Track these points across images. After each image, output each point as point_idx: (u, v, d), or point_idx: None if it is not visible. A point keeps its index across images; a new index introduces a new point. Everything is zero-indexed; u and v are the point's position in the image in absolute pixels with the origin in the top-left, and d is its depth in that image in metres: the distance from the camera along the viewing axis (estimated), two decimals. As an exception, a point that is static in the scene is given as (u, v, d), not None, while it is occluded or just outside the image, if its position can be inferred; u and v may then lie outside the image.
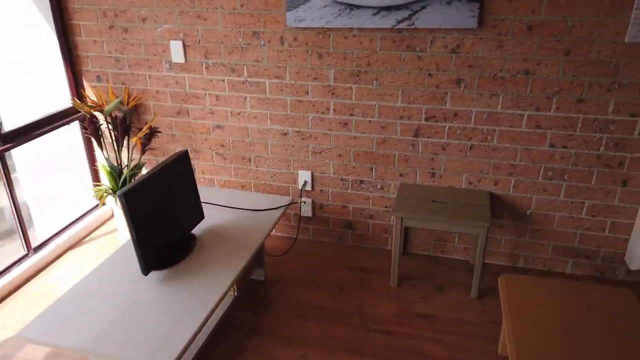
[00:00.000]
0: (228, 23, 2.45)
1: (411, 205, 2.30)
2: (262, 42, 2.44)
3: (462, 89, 2.27)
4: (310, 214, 2.79)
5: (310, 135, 2.59)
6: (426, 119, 2.38)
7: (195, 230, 2.13)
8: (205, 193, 2.48)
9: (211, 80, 2.61)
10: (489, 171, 2.40)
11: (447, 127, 2.37)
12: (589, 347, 1.57)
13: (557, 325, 1.66)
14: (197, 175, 2.89)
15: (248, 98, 2.59)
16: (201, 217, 2.15)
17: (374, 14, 2.20)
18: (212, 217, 2.24)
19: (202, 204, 2.36)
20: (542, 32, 2.08)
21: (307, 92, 2.49)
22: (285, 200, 2.38)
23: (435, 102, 2.33)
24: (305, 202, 2.75)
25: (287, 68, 2.46)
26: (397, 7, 2.16)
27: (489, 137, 2.33)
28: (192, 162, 2.86)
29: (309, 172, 2.67)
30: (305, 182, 2.70)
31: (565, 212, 2.39)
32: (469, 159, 2.40)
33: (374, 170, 2.57)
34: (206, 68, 2.59)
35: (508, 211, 2.47)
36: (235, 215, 2.25)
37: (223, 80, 2.59)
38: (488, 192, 2.44)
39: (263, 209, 2.30)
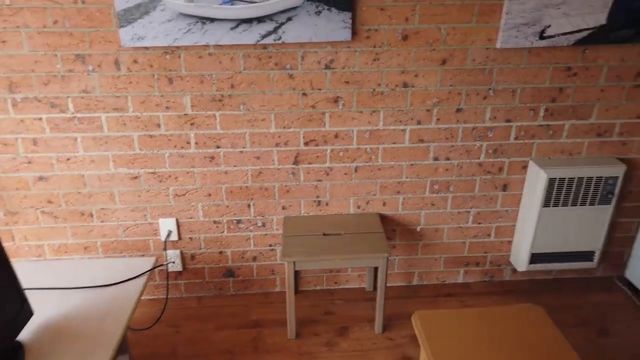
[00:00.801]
0: (38, 45, 1.85)
1: (302, 245, 2.00)
2: (91, 68, 1.89)
3: (340, 107, 2.03)
4: (180, 268, 2.31)
5: (170, 176, 2.12)
6: (305, 144, 2.09)
7: (22, 335, 1.53)
8: (31, 272, 1.84)
9: (22, 121, 1.97)
10: (377, 192, 2.21)
11: (329, 151, 2.11)
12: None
13: (479, 356, 1.52)
14: (20, 244, 2.20)
15: (79, 139, 2.02)
16: (28, 313, 1.55)
17: (233, 28, 1.83)
18: (46, 309, 1.65)
19: (28, 291, 1.74)
20: (417, 41, 1.93)
21: (159, 125, 2.01)
22: (148, 263, 1.88)
23: (313, 124, 2.05)
24: (173, 261, 2.27)
25: (129, 97, 1.96)
26: (260, 20, 1.82)
27: (373, 157, 2.14)
28: (8, 227, 2.16)
29: (173, 220, 2.20)
30: (170, 231, 2.22)
31: (453, 224, 2.32)
32: (355, 182, 2.18)
33: (251, 207, 2.20)
34: (13, 105, 1.94)
35: (399, 230, 2.32)
36: (82, 296, 1.69)
37: (40, 118, 1.97)
38: (377, 213, 2.25)
39: (118, 281, 1.78)
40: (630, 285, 2.42)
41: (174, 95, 1.97)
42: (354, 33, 1.89)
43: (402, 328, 2.17)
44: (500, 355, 1.53)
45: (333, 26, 1.85)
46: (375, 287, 2.42)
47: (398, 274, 2.43)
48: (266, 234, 2.27)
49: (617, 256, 2.46)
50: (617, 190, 2.15)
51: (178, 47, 1.88)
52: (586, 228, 2.21)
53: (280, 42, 1.86)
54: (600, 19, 1.92)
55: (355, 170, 2.16)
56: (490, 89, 2.03)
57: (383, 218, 2.27)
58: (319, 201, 2.22)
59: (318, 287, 2.43)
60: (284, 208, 2.22)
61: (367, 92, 2.01)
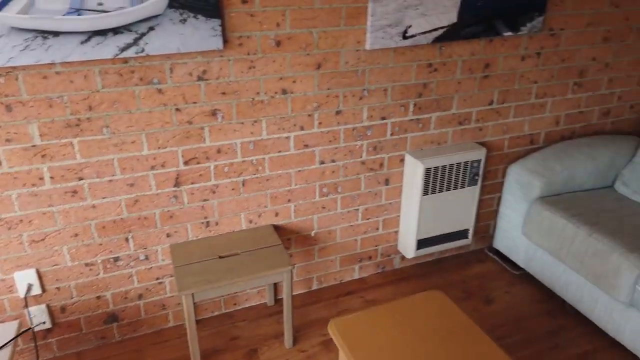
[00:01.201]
0: None
1: (197, 273, 1.83)
2: None
3: (220, 120, 1.90)
4: (49, 324, 1.96)
5: (21, 221, 1.78)
6: (185, 163, 1.91)
7: None
8: None
9: None
10: (267, 203, 2.13)
11: (212, 167, 1.96)
12: (430, 356, 1.50)
13: (402, 353, 1.55)
14: None
15: None
16: None
17: (83, 42, 1.58)
18: None
19: None
20: (291, 47, 1.88)
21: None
22: (9, 329, 1.56)
23: (192, 140, 1.89)
24: (43, 321, 1.92)
25: (-46, 133, 1.58)
26: (116, 31, 1.60)
27: (260, 168, 2.05)
28: None
29: (32, 270, 1.86)
30: (30, 285, 1.87)
31: (344, 223, 2.34)
32: (244, 197, 2.07)
33: (130, 240, 1.96)
34: None
35: (294, 238, 2.27)
36: None
37: None
38: (271, 225, 2.17)
39: (-24, 362, 1.44)
40: (498, 253, 2.70)
41: (15, 125, 1.64)
42: (226, 41, 1.78)
43: (311, 337, 2.13)
44: (421, 346, 1.57)
45: (202, 34, 1.71)
46: (276, 300, 2.34)
47: (298, 282, 2.39)
48: (151, 267, 2.04)
49: (485, 229, 2.73)
50: (481, 172, 2.37)
51: (14, 68, 1.57)
52: (460, 209, 2.40)
53: (143, 54, 1.66)
54: (452, 17, 2.08)
55: (243, 184, 2.05)
56: (364, 89, 2.08)
57: (277, 229, 2.20)
58: (208, 222, 2.06)
59: (216, 313, 2.27)
60: (168, 236, 2.01)
61: (246, 101, 1.91)
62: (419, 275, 2.53)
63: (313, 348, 2.07)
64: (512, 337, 2.13)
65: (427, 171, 2.23)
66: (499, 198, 2.67)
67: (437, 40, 2.09)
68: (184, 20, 1.66)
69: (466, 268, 2.60)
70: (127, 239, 1.95)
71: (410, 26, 2.02)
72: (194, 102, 1.83)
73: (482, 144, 2.46)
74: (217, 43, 1.74)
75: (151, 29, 1.63)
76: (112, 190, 1.85)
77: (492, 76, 2.31)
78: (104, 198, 1.85)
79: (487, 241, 2.77)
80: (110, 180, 1.83)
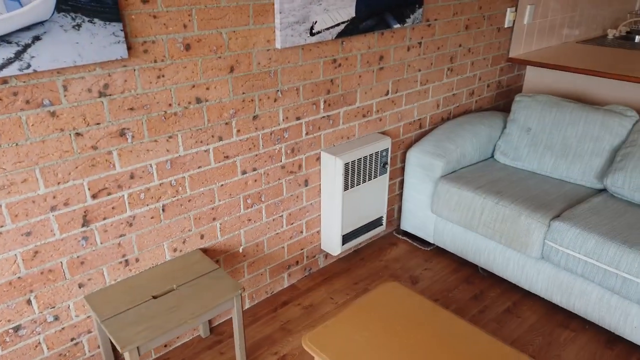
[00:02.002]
0: None
1: (135, 322, 1.56)
2: None
3: (130, 141, 1.64)
4: None
5: None
6: (94, 196, 1.61)
7: None
8: None
9: None
10: (191, 227, 1.92)
11: (126, 196, 1.69)
12: (402, 348, 1.52)
13: (378, 347, 1.53)
14: None
15: None
16: None
17: (-54, 59, 1.21)
18: None
19: None
20: (201, 50, 1.71)
21: None
22: None
23: (99, 169, 1.59)
24: None
25: None
26: (-10, 42, 1.26)
27: (180, 188, 1.83)
28: None
29: None
30: None
31: (271, 233, 2.23)
32: (165, 224, 1.83)
33: (33, 302, 1.59)
34: None
35: (222, 259, 2.09)
36: None
37: None
38: (198, 250, 1.96)
39: None
40: (407, 234, 2.85)
41: None
42: (129, 48, 1.53)
43: (264, 357, 1.99)
44: (398, 337, 1.56)
45: (102, 42, 1.44)
46: (211, 330, 2.13)
47: (229, 306, 2.20)
48: (63, 328, 1.69)
49: (391, 214, 2.85)
50: (389, 160, 2.46)
51: None
52: (374, 198, 2.46)
53: (30, 70, 1.34)
54: (351, 12, 2.10)
55: (163, 210, 1.80)
56: (278, 90, 1.99)
57: (205, 252, 1.99)
58: (127, 260, 1.77)
59: (147, 359, 1.98)
60: (81, 286, 1.68)
61: (158, 115, 1.67)
62: (345, 270, 2.54)
63: (268, 370, 1.94)
64: (449, 309, 2.26)
65: (346, 166, 2.24)
66: (401, 182, 2.81)
67: (340, 35, 2.10)
68: (78, 26, 1.38)
69: (383, 254, 2.68)
70: (28, 301, 1.57)
71: (315, 22, 1.98)
72: (97, 123, 1.54)
73: (383, 133, 2.55)
74: (121, 51, 1.48)
75: (37, 38, 1.32)
76: (3, 245, 1.46)
77: (386, 68, 2.40)
78: (-8, 256, 1.46)
79: (394, 225, 2.90)
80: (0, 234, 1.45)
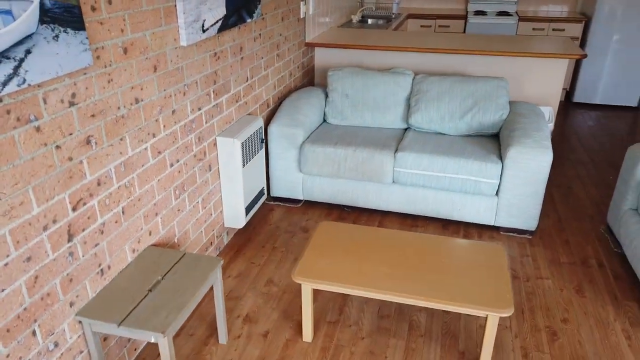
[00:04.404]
0: None
1: (152, 312, 1.65)
2: None
3: (94, 147, 1.66)
4: None
5: None
6: (74, 209, 1.60)
7: None
8: None
9: None
10: (142, 225, 1.99)
11: (96, 204, 1.70)
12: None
13: (347, 267, 2.04)
14: None
15: None
16: None
17: (-45, 80, 1.14)
18: None
19: None
20: (134, 52, 1.81)
21: None
22: None
23: (75, 180, 1.59)
24: None
25: None
26: (-11, 59, 1.22)
27: (132, 189, 1.90)
28: None
29: None
30: None
31: (192, 219, 2.41)
32: (125, 226, 1.88)
33: (38, 332, 1.50)
34: None
35: (165, 252, 2.19)
36: None
37: None
38: (150, 246, 2.05)
39: None
40: (277, 199, 3.32)
41: None
42: (92, 55, 1.57)
43: (232, 330, 2.22)
44: (366, 257, 2.07)
45: (74, 51, 1.47)
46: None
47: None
48: (62, 354, 1.62)
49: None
50: (264, 136, 2.88)
51: None
52: (259, 171, 2.86)
53: (25, 86, 1.31)
54: (223, 10, 2.41)
55: (123, 212, 1.85)
56: (185, 85, 2.19)
57: (156, 247, 2.08)
58: (102, 269, 1.77)
59: (122, 370, 1.97)
60: (72, 305, 1.64)
61: (111, 120, 1.73)
62: (247, 240, 2.87)
63: (241, 335, 2.19)
64: (342, 240, 2.87)
65: (242, 145, 2.57)
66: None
67: (218, 30, 2.39)
68: (56, 37, 1.39)
69: (268, 219, 3.10)
70: (34, 333, 1.49)
71: (205, 20, 2.24)
72: (70, 134, 1.54)
73: (250, 114, 2.94)
74: (88, 59, 1.53)
75: (28, 52, 1.30)
76: (10, 276, 1.37)
77: (245, 57, 2.79)
78: (2, 291, 1.35)
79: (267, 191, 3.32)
80: (6, 264, 1.36)
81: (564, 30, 5.22)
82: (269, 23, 3.04)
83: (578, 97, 5.31)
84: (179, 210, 2.25)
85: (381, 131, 3.24)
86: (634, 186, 2.60)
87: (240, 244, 2.84)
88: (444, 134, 3.17)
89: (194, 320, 2.25)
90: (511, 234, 2.91)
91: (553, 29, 5.24)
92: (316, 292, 2.43)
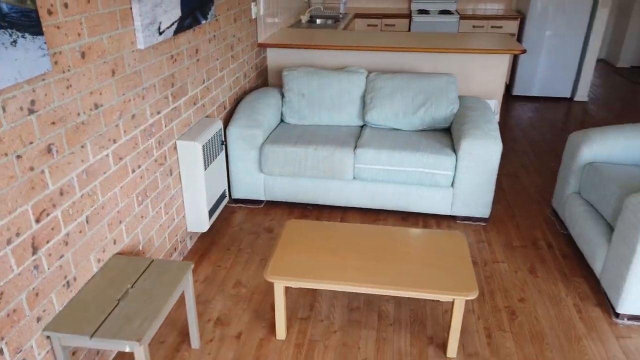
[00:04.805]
0: None
1: (125, 321, 1.62)
2: None
3: (55, 156, 1.61)
4: None
5: None
6: (37, 220, 1.54)
7: None
8: None
9: None
10: (106, 234, 1.95)
11: (59, 214, 1.65)
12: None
13: (319, 262, 2.08)
14: None
15: None
16: None
17: None
18: None
19: None
20: (92, 57, 1.76)
21: None
22: None
23: (37, 190, 1.53)
24: None
25: None
26: (-56, 66, 1.16)
27: (95, 197, 1.85)
28: None
29: None
30: None
31: (156, 225, 2.37)
32: (89, 236, 1.83)
33: (5, 350, 1.45)
34: None
35: (130, 260, 2.14)
36: None
37: None
38: (115, 254, 2.00)
39: None
40: (238, 200, 3.31)
41: None
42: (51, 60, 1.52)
43: (204, 334, 2.20)
44: (337, 250, 2.12)
45: (32, 56, 1.42)
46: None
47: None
48: (30, 372, 1.56)
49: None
50: (224, 139, 2.86)
51: None
52: (220, 174, 2.84)
53: (-18, 93, 1.26)
54: (178, 12, 2.38)
55: (87, 222, 1.80)
56: (144, 88, 2.15)
57: (121, 255, 2.03)
58: (68, 282, 1.72)
59: (93, 384, 1.92)
60: (39, 320, 1.58)
61: (72, 126, 1.68)
62: (211, 244, 2.85)
63: (213, 338, 2.18)
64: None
65: (204, 148, 2.55)
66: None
67: (175, 33, 2.36)
68: (14, 43, 1.34)
69: (231, 221, 3.09)
70: (1, 351, 1.42)
71: (161, 22, 2.21)
72: (31, 142, 1.49)
73: (208, 117, 2.91)
74: (47, 64, 1.48)
75: (-15, 58, 1.25)
76: (-26, 294, 1.31)
77: (201, 59, 2.76)
78: (-33, 310, 1.29)
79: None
80: (-30, 281, 1.29)
81: (501, 27, 5.50)
82: (223, 24, 3.03)
83: (517, 90, 5.61)
84: (142, 216, 2.20)
85: (339, 129, 3.31)
86: (576, 171, 2.80)
87: (205, 248, 2.81)
88: (399, 130, 3.27)
89: (163, 327, 2.21)
90: (467, 222, 3.05)
91: (492, 26, 5.52)
92: (286, 290, 2.45)
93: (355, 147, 3.01)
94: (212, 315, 2.30)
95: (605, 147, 2.71)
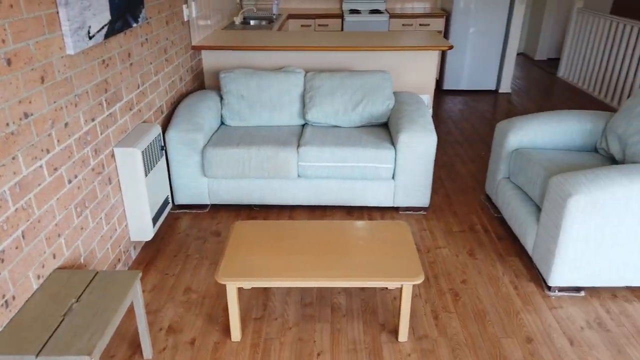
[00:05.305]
0: None
1: (73, 337, 1.55)
2: None
3: (-16, 169, 1.52)
4: None
5: None
6: (-31, 239, 1.45)
7: None
8: None
9: None
10: (45, 248, 1.86)
11: (-7, 231, 1.56)
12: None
13: (270, 260, 2.10)
14: None
15: None
16: None
17: None
18: None
19: None
20: (19, 64, 1.68)
21: None
22: None
23: (-33, 207, 1.44)
24: None
25: None
26: None
27: (31, 210, 1.76)
28: None
29: None
30: None
31: (97, 237, 2.28)
32: (27, 252, 1.74)
33: None
34: None
35: (72, 275, 2.06)
36: None
37: None
38: (57, 269, 1.91)
39: None
40: (182, 206, 3.25)
41: None
42: (-31, 68, 1.43)
43: (156, 344, 2.16)
44: (287, 248, 2.15)
45: (-48, 64, 1.34)
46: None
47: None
48: (-30, 401, 1.46)
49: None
50: (164, 144, 2.80)
51: None
52: (162, 180, 2.78)
53: None
54: (108, 15, 2.31)
55: (24, 237, 1.71)
56: (76, 95, 2.07)
57: (62, 269, 1.94)
58: (6, 301, 1.63)
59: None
60: (-23, 344, 1.49)
61: (1, 137, 1.59)
62: (156, 252, 2.78)
63: (166, 347, 2.14)
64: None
65: (143, 154, 2.49)
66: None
67: (105, 37, 2.29)
68: None
69: (176, 228, 3.03)
70: (-64, 382, 1.33)
71: (90, 26, 2.13)
72: (-44, 156, 1.40)
73: (145, 122, 2.84)
74: (-31, 72, 1.40)
75: None
76: None
77: (134, 63, 2.69)
78: None
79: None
80: None
81: (429, 25, 5.75)
82: (155, 27, 2.96)
83: (447, 85, 5.89)
84: (82, 228, 2.12)
85: (280, 129, 3.33)
86: (504, 158, 3.00)
87: (150, 256, 2.74)
88: (340, 127, 3.35)
89: (112, 341, 2.14)
90: (409, 212, 3.18)
91: (420, 24, 5.75)
92: (238, 292, 2.44)
93: (299, 145, 3.04)
94: (163, 323, 2.25)
95: (529, 134, 2.92)
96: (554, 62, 7.13)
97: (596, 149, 2.91)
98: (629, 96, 5.03)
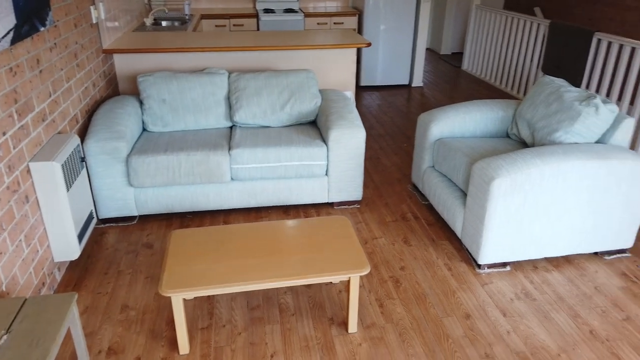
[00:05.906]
0: None
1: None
2: None
3: None
4: None
5: None
6: None
7: None
8: None
9: None
10: (-39, 279, 1.67)
11: None
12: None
13: (214, 267, 2.06)
14: None
15: None
16: None
17: None
18: None
19: None
20: None
21: None
22: None
23: None
24: None
25: None
26: None
27: (-58, 239, 1.57)
28: None
29: None
30: None
31: (18, 261, 2.09)
32: (-60, 285, 1.55)
33: None
34: None
35: None
36: None
37: None
38: (-24, 302, 1.73)
39: None
40: (109, 220, 3.06)
41: None
42: None
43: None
44: (228, 254, 2.10)
45: None
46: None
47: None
48: None
49: (86, 209, 2.96)
50: (84, 155, 2.62)
51: None
52: (84, 194, 2.60)
53: None
54: (13, 19, 2.12)
55: (-64, 269, 1.52)
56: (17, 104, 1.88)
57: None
58: None
59: None
60: None
61: None
62: (85, 272, 2.60)
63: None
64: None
65: (63, 168, 2.31)
66: (83, 177, 2.94)
67: (12, 42, 2.10)
68: None
69: (103, 244, 2.85)
70: None
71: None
72: None
73: (60, 133, 2.64)
74: None
75: None
76: None
77: (44, 70, 2.49)
78: None
79: (91, 218, 3.03)
80: None
81: (343, 23, 5.90)
82: (63, 31, 2.75)
83: (364, 81, 6.07)
84: (0, 253, 1.92)
85: (208, 132, 3.25)
86: (428, 148, 3.16)
87: (78, 276, 2.55)
88: (269, 127, 3.33)
89: (47, 372, 1.97)
90: (343, 206, 3.25)
91: (334, 23, 5.88)
92: (180, 304, 2.36)
93: (230, 148, 2.99)
94: (102, 345, 2.11)
95: (449, 124, 3.11)
96: (457, 56, 7.62)
97: (508, 135, 3.17)
98: (526, 85, 5.52)
